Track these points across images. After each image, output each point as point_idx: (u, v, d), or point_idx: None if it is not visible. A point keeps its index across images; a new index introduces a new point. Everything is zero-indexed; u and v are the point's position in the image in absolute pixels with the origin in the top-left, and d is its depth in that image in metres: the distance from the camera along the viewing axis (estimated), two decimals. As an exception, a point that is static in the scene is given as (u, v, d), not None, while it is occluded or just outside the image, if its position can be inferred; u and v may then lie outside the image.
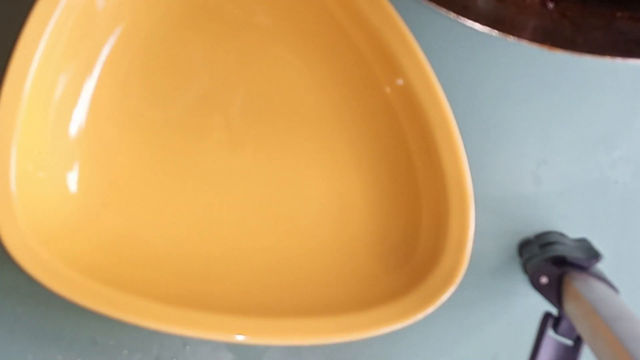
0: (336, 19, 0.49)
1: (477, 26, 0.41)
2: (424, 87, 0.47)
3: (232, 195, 0.50)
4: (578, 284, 0.46)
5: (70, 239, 0.47)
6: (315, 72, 0.50)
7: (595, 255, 0.48)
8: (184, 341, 0.51)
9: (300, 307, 0.48)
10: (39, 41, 0.45)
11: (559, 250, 0.49)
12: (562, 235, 0.52)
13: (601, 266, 0.48)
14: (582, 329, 0.45)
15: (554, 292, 0.48)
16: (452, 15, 0.41)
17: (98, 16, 0.47)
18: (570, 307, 0.47)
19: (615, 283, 0.47)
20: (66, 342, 0.50)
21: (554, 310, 0.48)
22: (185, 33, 0.49)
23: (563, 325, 0.47)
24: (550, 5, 0.45)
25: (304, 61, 0.50)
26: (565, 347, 0.47)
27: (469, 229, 0.47)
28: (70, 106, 0.48)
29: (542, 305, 0.48)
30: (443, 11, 0.41)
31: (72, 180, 0.48)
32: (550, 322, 0.48)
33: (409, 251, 0.49)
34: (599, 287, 0.46)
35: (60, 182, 0.47)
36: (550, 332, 0.48)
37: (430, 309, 0.47)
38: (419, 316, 0.47)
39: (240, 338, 0.46)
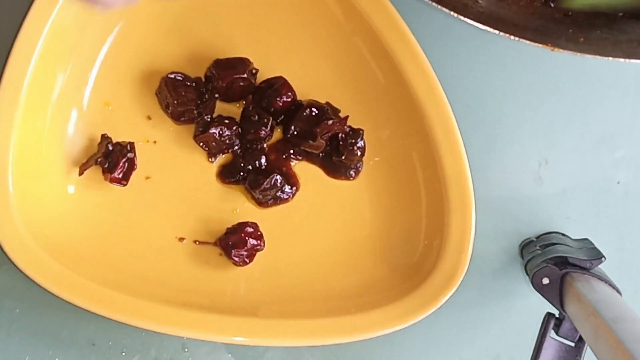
0: (336, 17, 0.49)
1: (479, 25, 0.41)
2: (425, 87, 0.47)
3: (231, 194, 0.50)
4: (580, 285, 0.46)
5: (68, 240, 0.47)
6: (314, 71, 0.50)
7: (597, 256, 0.48)
8: (183, 342, 0.51)
9: (300, 307, 0.48)
10: (37, 41, 0.45)
11: (560, 251, 0.49)
12: (563, 235, 0.52)
13: (603, 267, 0.48)
14: (583, 330, 0.45)
15: (556, 293, 0.48)
16: (454, 14, 0.41)
17: (96, 15, 0.47)
18: (571, 308, 0.46)
19: (618, 284, 0.47)
20: (64, 344, 0.50)
21: (555, 311, 0.48)
22: (183, 31, 0.49)
23: (565, 326, 0.47)
24: (552, 4, 0.45)
25: (303, 61, 0.50)
26: (567, 348, 0.47)
27: (470, 229, 0.47)
28: (69, 106, 0.48)
29: (544, 306, 0.48)
30: (444, 10, 0.41)
31: (70, 180, 0.48)
32: (551, 323, 0.48)
33: (410, 252, 0.49)
34: (600, 288, 0.46)
35: (58, 182, 0.47)
36: (551, 333, 0.48)
37: (431, 310, 0.46)
38: (420, 317, 0.46)
39: (239, 339, 0.45)
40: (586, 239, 0.51)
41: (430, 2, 0.41)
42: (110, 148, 0.47)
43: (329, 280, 0.49)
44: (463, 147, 0.47)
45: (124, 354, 0.50)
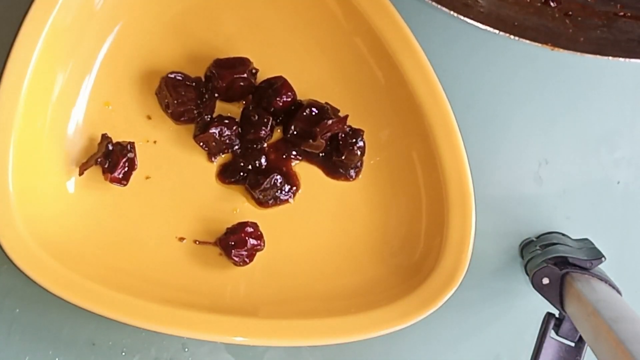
0: (336, 17, 0.49)
1: (479, 25, 0.41)
2: (425, 87, 0.47)
3: (231, 194, 0.49)
4: (580, 285, 0.46)
5: (68, 239, 0.47)
6: (314, 71, 0.50)
7: (597, 256, 0.48)
8: (183, 342, 0.51)
9: (300, 307, 0.48)
10: (37, 41, 0.44)
11: (560, 250, 0.48)
12: (563, 235, 0.52)
13: (603, 267, 0.48)
14: (583, 330, 0.45)
15: (556, 293, 0.48)
16: (454, 13, 0.41)
17: (96, 15, 0.47)
18: (571, 308, 0.46)
19: (618, 284, 0.47)
20: (64, 344, 0.50)
21: (555, 311, 0.48)
22: (183, 31, 0.49)
23: (565, 326, 0.47)
24: (552, 4, 0.45)
25: (303, 61, 0.50)
26: (567, 348, 0.47)
27: (470, 229, 0.47)
28: (69, 105, 0.48)
29: (544, 306, 0.48)
30: (445, 10, 0.41)
31: (70, 180, 0.48)
32: (552, 323, 0.48)
33: (409, 252, 0.49)
34: (600, 288, 0.46)
35: (58, 182, 0.47)
36: (551, 333, 0.47)
37: (431, 310, 0.46)
38: (420, 317, 0.46)
39: (239, 339, 0.45)
40: (586, 239, 0.51)
41: (430, 1, 0.40)
42: (111, 148, 0.47)
43: (329, 280, 0.49)
44: (463, 147, 0.47)
45: (124, 354, 0.50)
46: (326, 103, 0.49)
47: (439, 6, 0.40)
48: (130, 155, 0.47)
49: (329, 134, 0.48)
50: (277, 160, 0.49)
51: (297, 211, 0.50)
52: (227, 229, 0.48)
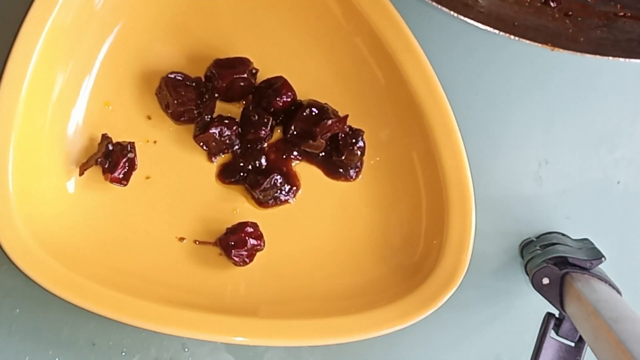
0: (336, 18, 0.49)
1: (479, 25, 0.41)
2: (424, 87, 0.47)
3: (231, 194, 0.49)
4: (580, 285, 0.46)
5: (68, 239, 0.47)
6: (314, 71, 0.50)
7: (597, 256, 0.48)
8: (183, 342, 0.51)
9: (300, 307, 0.48)
10: (37, 40, 0.44)
11: (560, 251, 0.49)
12: (563, 235, 0.52)
13: (603, 267, 0.48)
14: (583, 330, 0.45)
15: (556, 293, 0.48)
16: (454, 13, 0.41)
17: (96, 15, 0.47)
18: (571, 308, 0.46)
19: (618, 284, 0.47)
20: (64, 344, 0.50)
21: (555, 311, 0.48)
22: (183, 31, 0.49)
23: (565, 326, 0.47)
24: (552, 4, 0.45)
25: (303, 61, 0.50)
26: (567, 348, 0.47)
27: (470, 229, 0.47)
28: (69, 105, 0.48)
29: (544, 306, 0.48)
30: (444, 10, 0.41)
31: (70, 180, 0.48)
32: (551, 323, 0.48)
33: (409, 252, 0.49)
34: (600, 288, 0.46)
35: (58, 182, 0.47)
36: (552, 333, 0.47)
37: (431, 310, 0.46)
38: (420, 317, 0.46)
39: (239, 339, 0.45)
40: (586, 239, 0.51)
41: (430, 1, 0.40)
42: (111, 148, 0.47)
43: (329, 280, 0.49)
44: (463, 147, 0.47)
45: (124, 354, 0.50)
46: (326, 103, 0.49)
47: (439, 6, 0.40)
48: (130, 155, 0.47)
49: (329, 134, 0.48)
50: (277, 160, 0.49)
51: (297, 211, 0.50)
52: (227, 229, 0.48)
